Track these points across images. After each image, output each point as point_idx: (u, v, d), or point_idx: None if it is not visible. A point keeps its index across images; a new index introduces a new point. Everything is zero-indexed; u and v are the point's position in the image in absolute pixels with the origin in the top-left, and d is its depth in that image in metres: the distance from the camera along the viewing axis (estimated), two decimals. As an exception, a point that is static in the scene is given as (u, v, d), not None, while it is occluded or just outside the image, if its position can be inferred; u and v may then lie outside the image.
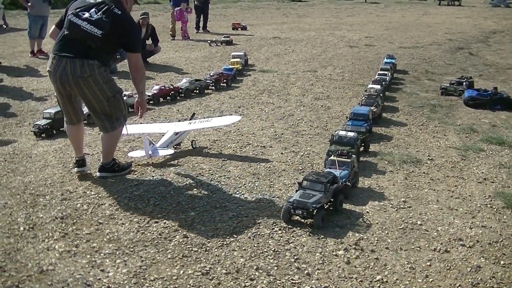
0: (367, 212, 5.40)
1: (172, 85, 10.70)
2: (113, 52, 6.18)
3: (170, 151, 6.84)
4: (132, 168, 6.48)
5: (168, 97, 10.27)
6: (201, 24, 21.77)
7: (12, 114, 9.32)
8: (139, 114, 6.27)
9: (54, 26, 6.24)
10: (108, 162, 6.24)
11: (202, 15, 21.65)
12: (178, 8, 19.22)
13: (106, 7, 5.68)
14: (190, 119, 7.68)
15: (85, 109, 6.50)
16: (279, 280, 4.18)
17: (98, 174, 6.23)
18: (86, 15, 5.58)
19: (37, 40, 15.07)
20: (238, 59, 13.30)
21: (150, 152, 6.53)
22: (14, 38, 19.05)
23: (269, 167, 6.61)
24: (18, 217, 5.20)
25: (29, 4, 14.66)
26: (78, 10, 5.64)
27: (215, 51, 16.67)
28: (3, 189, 5.90)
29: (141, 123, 7.73)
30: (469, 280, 4.23)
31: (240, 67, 13.06)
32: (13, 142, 7.71)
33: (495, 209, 5.51)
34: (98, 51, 5.66)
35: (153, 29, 14.66)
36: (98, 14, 5.60)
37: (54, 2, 16.20)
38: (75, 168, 6.24)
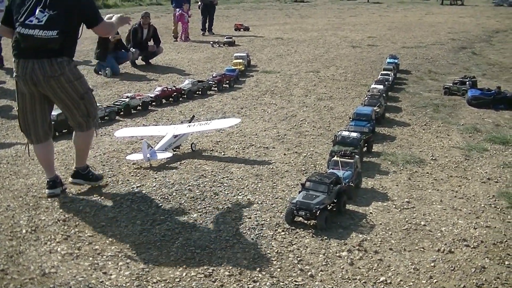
0: (371, 213, 5.39)
1: (174, 86, 10.71)
2: (76, 37, 5.59)
3: (169, 154, 6.81)
4: (104, 181, 6.19)
5: (170, 99, 10.26)
6: (207, 25, 21.70)
7: (15, 116, 9.25)
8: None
9: (0, 23, 5.68)
10: (84, 167, 6.02)
11: (208, 16, 21.55)
12: (179, 9, 19.20)
13: None
14: (190, 122, 7.67)
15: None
16: (282, 282, 4.16)
17: (70, 179, 6.05)
18: (34, 21, 5.12)
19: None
20: (241, 60, 13.31)
21: (148, 155, 6.51)
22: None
23: (272, 168, 6.59)
24: (20, 219, 5.19)
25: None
26: (22, 18, 5.15)
27: (218, 52, 16.67)
28: (6, 192, 5.90)
29: (144, 125, 7.68)
30: (474, 281, 4.21)
31: (243, 68, 13.06)
32: (15, 144, 7.71)
33: (499, 209, 5.50)
34: (61, 48, 5.31)
35: (155, 30, 14.66)
36: (45, 13, 5.15)
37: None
38: (47, 190, 5.76)
